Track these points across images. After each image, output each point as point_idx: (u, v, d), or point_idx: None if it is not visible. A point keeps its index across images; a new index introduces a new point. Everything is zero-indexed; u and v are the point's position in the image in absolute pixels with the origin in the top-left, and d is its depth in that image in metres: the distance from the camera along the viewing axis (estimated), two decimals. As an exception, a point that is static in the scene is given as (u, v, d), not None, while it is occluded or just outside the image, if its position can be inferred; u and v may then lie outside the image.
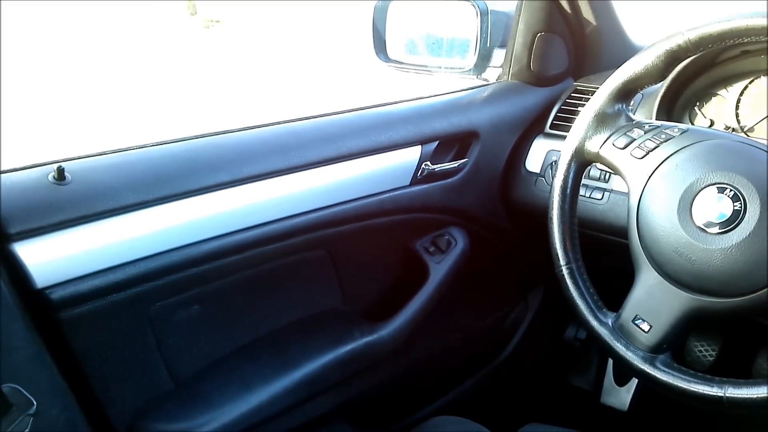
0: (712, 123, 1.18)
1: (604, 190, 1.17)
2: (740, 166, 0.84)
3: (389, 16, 1.38)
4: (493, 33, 1.32)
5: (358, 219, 1.14)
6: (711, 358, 1.39)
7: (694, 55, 0.90)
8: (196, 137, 1.03)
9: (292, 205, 1.06)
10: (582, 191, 1.18)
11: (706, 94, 1.20)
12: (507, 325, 1.54)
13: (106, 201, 0.88)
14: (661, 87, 1.17)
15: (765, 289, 0.80)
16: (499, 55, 1.40)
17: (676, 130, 0.91)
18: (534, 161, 1.30)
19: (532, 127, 1.32)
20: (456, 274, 1.28)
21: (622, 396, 1.56)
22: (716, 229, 0.83)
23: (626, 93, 0.94)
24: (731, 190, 0.82)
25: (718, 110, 1.19)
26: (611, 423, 1.53)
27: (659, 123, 0.94)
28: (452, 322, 1.40)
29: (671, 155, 0.89)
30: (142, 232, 0.91)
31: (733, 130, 1.16)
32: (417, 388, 1.38)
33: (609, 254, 1.09)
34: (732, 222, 0.82)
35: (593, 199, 1.18)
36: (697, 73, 1.17)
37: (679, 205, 0.85)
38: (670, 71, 0.92)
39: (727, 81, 1.18)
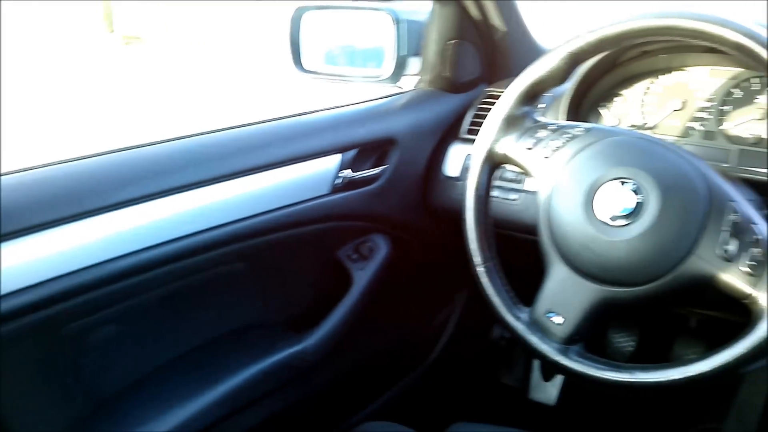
0: (619, 122, 1.23)
1: (518, 191, 1.21)
2: (641, 161, 0.88)
3: (303, 26, 1.38)
4: (409, 41, 1.34)
5: (279, 229, 1.14)
6: (631, 349, 1.45)
7: (594, 56, 0.95)
8: (110, 152, 1.01)
9: (210, 218, 1.04)
10: (497, 192, 1.21)
11: (611, 95, 1.25)
12: (434, 328, 1.56)
13: (9, 222, 0.85)
14: (568, 89, 1.21)
15: (667, 276, 0.84)
16: (416, 63, 1.42)
17: (580, 129, 0.95)
18: (452, 166, 1.32)
19: (449, 132, 1.34)
20: (380, 279, 1.29)
21: (549, 391, 1.60)
22: (620, 222, 0.86)
23: (532, 95, 0.97)
24: (633, 184, 0.86)
25: (623, 109, 1.24)
26: (540, 417, 1.57)
27: (564, 123, 0.97)
28: (379, 327, 1.41)
29: (576, 153, 0.92)
30: (50, 252, 0.88)
31: (638, 128, 1.21)
32: (346, 395, 1.38)
33: (526, 253, 1.12)
34: (634, 214, 0.86)
35: (508, 200, 1.21)
36: (601, 75, 1.21)
37: (585, 200, 0.89)
38: (572, 72, 0.96)
39: (630, 81, 1.23)
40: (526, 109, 0.98)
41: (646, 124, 1.21)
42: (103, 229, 0.93)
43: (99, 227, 0.92)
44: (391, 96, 1.38)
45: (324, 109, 1.28)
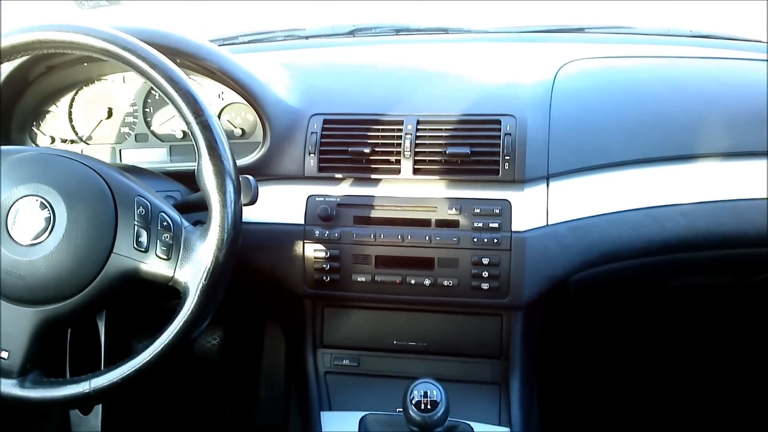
0: (53, 140, 1.21)
1: None
2: (42, 175, 0.87)
3: None
4: None
5: None
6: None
7: None
8: None
9: None
10: None
11: (39, 113, 1.21)
12: None
13: None
14: None
15: (97, 280, 0.85)
16: None
17: None
18: None
19: None
20: None
21: (91, 423, 1.53)
22: (34, 240, 0.85)
23: None
24: (37, 200, 0.85)
25: (54, 126, 1.21)
26: None
27: None
28: None
29: None
30: None
31: (72, 141, 1.21)
32: None
33: None
34: (47, 229, 0.85)
35: None
36: (17, 95, 1.16)
37: None
38: None
39: (55, 96, 1.20)
40: None
41: (81, 137, 1.21)
42: None
43: None
44: None
45: None
